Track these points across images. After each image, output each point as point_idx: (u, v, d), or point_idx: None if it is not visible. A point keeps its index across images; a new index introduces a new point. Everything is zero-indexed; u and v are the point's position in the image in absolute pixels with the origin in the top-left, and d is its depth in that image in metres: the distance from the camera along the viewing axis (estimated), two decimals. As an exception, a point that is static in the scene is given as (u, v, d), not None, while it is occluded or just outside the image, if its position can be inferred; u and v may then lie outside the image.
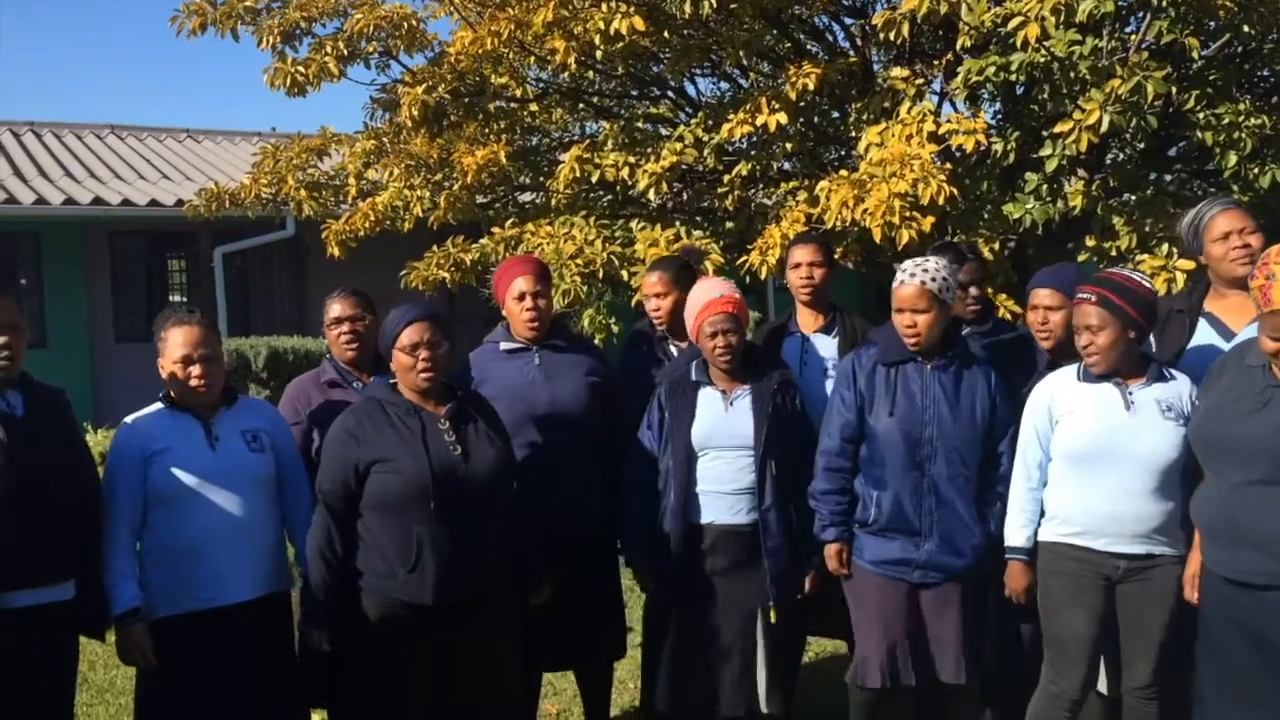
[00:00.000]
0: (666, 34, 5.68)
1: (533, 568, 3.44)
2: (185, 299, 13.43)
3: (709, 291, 3.59)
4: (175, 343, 3.12)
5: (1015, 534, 3.37)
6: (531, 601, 3.45)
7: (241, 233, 11.87)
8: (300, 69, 6.22)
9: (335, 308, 3.77)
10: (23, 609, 2.80)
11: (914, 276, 3.38)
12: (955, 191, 4.48)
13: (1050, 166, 4.79)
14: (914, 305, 3.37)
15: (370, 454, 3.13)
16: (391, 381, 3.30)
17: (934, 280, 3.36)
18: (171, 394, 3.17)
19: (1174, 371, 3.29)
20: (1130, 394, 3.22)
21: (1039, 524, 3.36)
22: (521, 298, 3.72)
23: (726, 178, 5.75)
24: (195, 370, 3.11)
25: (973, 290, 3.91)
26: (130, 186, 12.61)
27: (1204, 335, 3.48)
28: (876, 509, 3.41)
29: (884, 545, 3.43)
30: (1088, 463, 3.23)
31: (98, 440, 10.38)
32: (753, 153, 5.90)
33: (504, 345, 3.79)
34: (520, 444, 3.57)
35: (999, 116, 5.89)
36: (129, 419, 3.19)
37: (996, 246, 5.03)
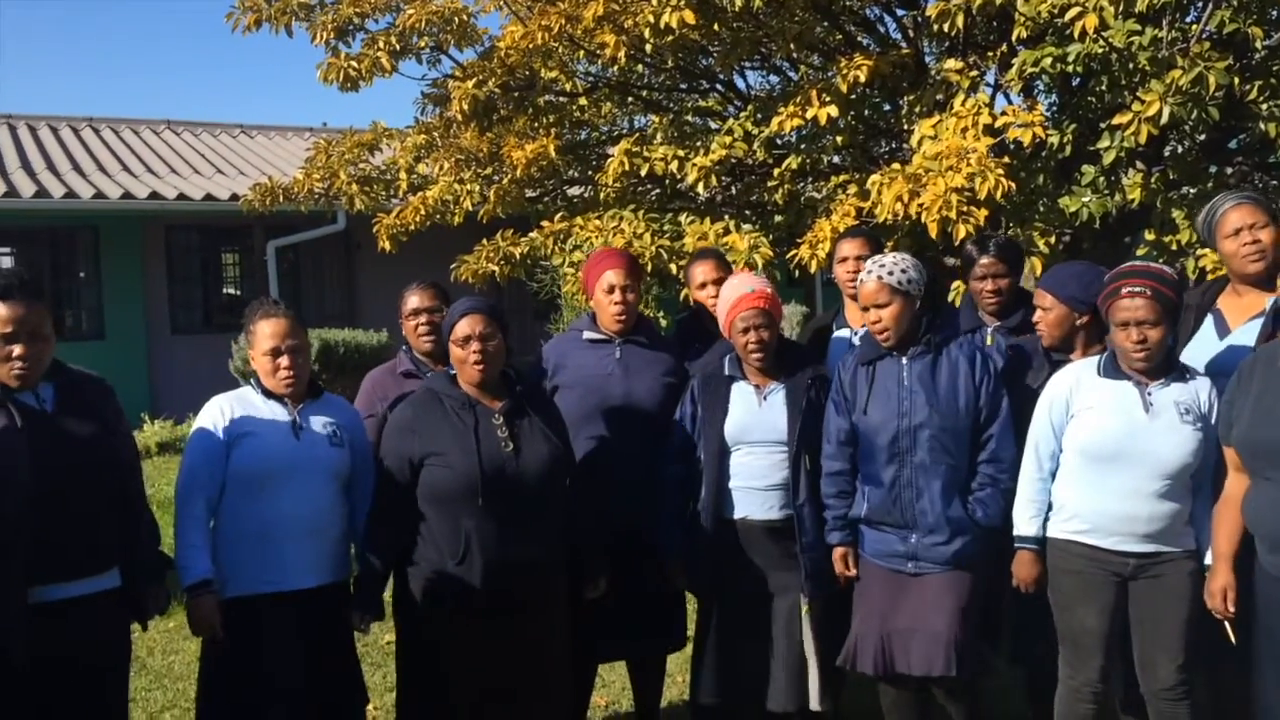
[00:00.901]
0: (716, 27, 5.65)
1: (588, 565, 3.44)
2: (239, 292, 13.65)
3: (740, 287, 3.59)
4: (264, 334, 3.20)
5: (1025, 524, 3.37)
6: (587, 597, 3.46)
7: (294, 227, 12.04)
8: (353, 64, 6.26)
9: (413, 299, 3.83)
10: (67, 600, 2.82)
11: (871, 273, 3.45)
12: (1013, 186, 4.42)
13: (1108, 159, 4.71)
14: (875, 300, 3.42)
15: (424, 447, 3.17)
16: (452, 373, 3.33)
17: (891, 274, 3.41)
18: (261, 383, 3.24)
19: (1193, 370, 3.26)
20: (1149, 394, 3.18)
21: (1048, 515, 3.34)
22: (611, 290, 3.75)
23: (776, 171, 5.72)
24: (283, 361, 3.20)
25: (988, 284, 3.87)
26: (186, 181, 12.83)
27: (1204, 332, 3.47)
28: (866, 503, 3.45)
29: (878, 537, 3.47)
30: (1103, 462, 3.21)
31: (154, 430, 10.62)
32: (803, 146, 5.86)
33: (588, 334, 3.82)
34: (587, 435, 3.59)
35: (1055, 108, 5.79)
36: (218, 398, 3.27)
37: (1052, 240, 4.95)
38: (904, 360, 3.44)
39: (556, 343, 3.91)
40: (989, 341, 3.80)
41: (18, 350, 2.77)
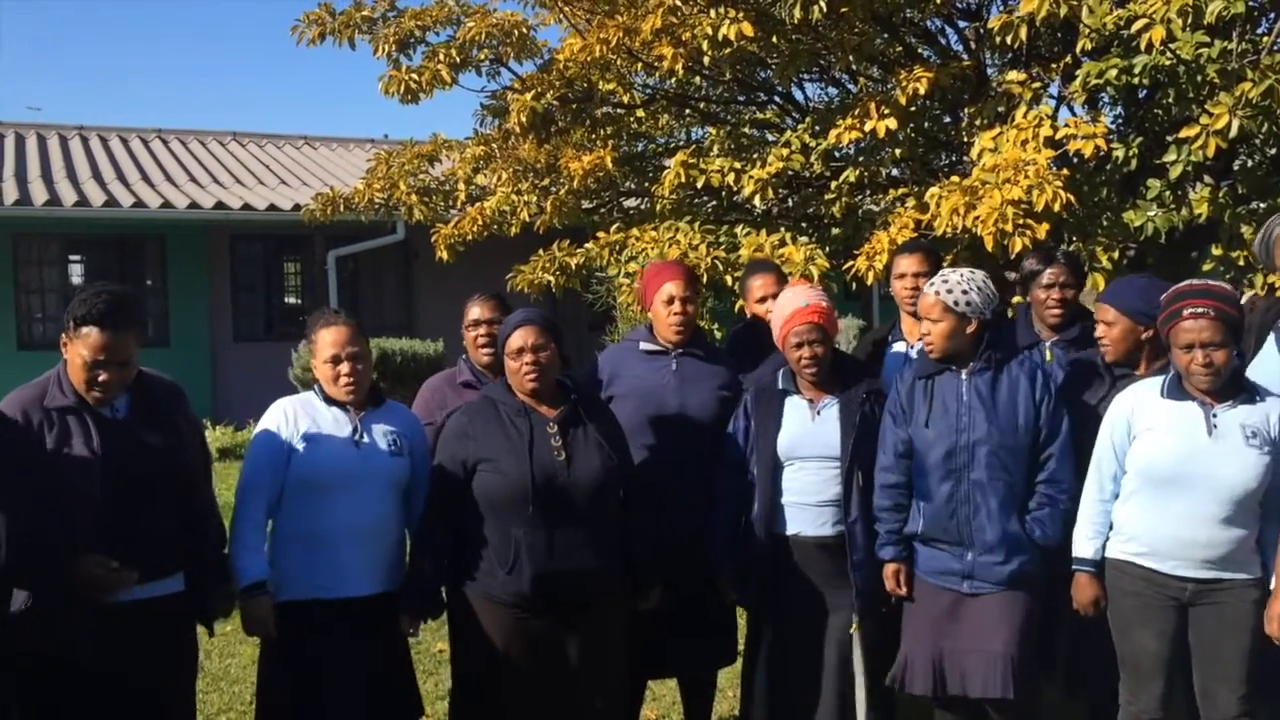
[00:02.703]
0: (775, 39, 5.63)
1: (641, 576, 3.43)
2: (300, 300, 13.86)
3: (795, 300, 3.55)
4: (325, 343, 3.24)
5: (1083, 545, 3.31)
6: (639, 608, 3.45)
7: (354, 236, 12.21)
8: (414, 76, 6.33)
9: (474, 310, 3.84)
10: (134, 603, 2.88)
11: (931, 286, 3.44)
12: (1072, 198, 4.35)
13: (1174, 173, 4.63)
14: (928, 314, 3.43)
15: (478, 453, 3.19)
16: (508, 382, 3.34)
17: (950, 293, 3.38)
18: (324, 390, 3.29)
19: (1264, 391, 3.15)
20: (1214, 415, 3.09)
21: (1107, 537, 3.28)
22: (670, 301, 3.75)
23: (834, 184, 5.68)
24: (344, 369, 3.23)
25: (1054, 294, 3.82)
26: (250, 191, 13.06)
27: (1268, 353, 3.38)
28: (923, 519, 3.40)
29: (932, 555, 3.43)
30: (1163, 485, 3.13)
31: (216, 436, 10.80)
32: (861, 158, 5.82)
33: (644, 345, 3.81)
34: (640, 446, 3.58)
35: (1120, 121, 5.70)
36: (281, 401, 3.31)
37: (1116, 255, 4.86)
38: (963, 376, 3.41)
39: (612, 352, 3.91)
40: (1048, 357, 3.75)
41: (103, 376, 2.85)
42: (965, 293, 3.37)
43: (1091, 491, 3.31)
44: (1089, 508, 3.31)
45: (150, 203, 12.03)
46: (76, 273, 13.05)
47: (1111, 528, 3.28)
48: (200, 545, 3.08)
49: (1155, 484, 3.15)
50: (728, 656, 3.88)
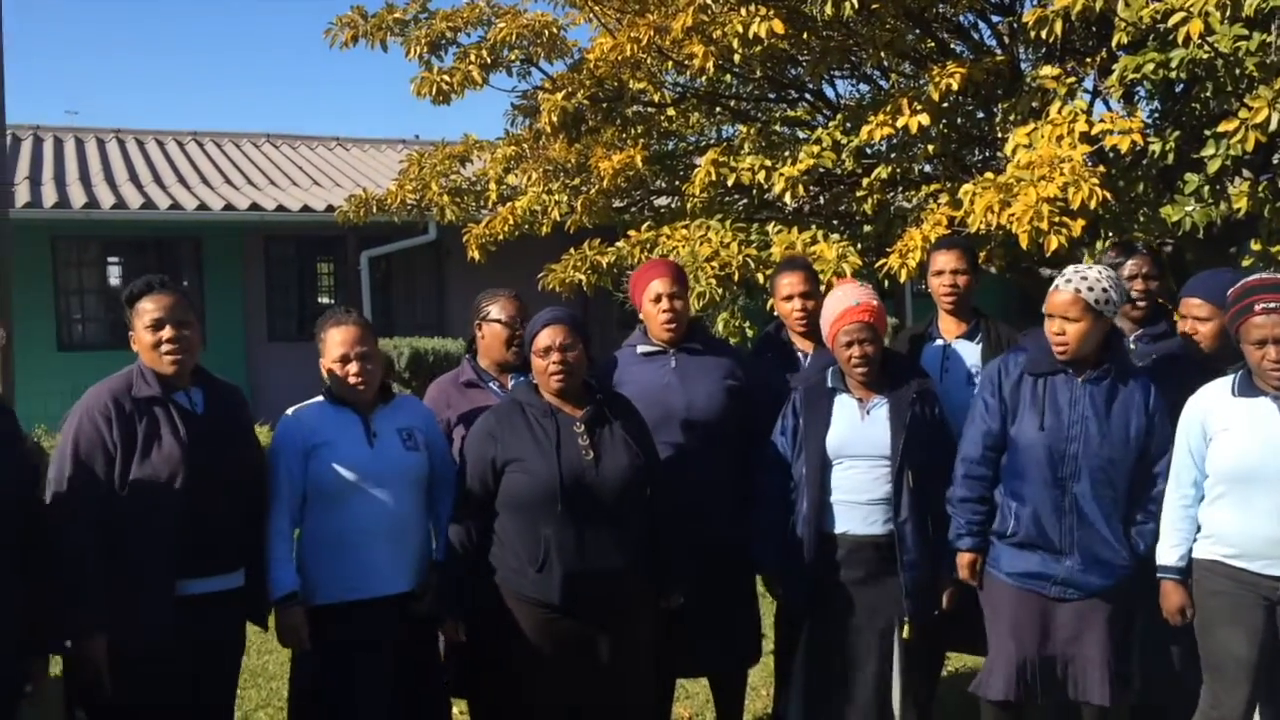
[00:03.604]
0: (806, 36, 5.62)
1: (667, 575, 3.42)
2: (333, 300, 13.95)
3: (845, 299, 3.51)
4: (334, 342, 3.26)
5: (1168, 553, 3.23)
6: (661, 607, 3.43)
7: (386, 237, 12.27)
8: (445, 78, 6.37)
9: (494, 309, 3.75)
10: (197, 595, 2.98)
11: (1069, 283, 3.26)
12: (1109, 195, 4.29)
13: (1213, 167, 4.56)
14: (1065, 313, 3.24)
15: (506, 453, 3.20)
16: (533, 382, 3.35)
17: (1090, 290, 3.22)
18: (333, 390, 3.30)
19: None
20: None
21: (1194, 542, 3.21)
22: (658, 300, 3.72)
23: (865, 181, 5.65)
24: (353, 368, 3.24)
25: (1138, 285, 3.72)
26: (284, 193, 13.16)
27: None
28: (1015, 521, 3.31)
29: (1022, 557, 3.33)
30: (1244, 484, 3.07)
31: (251, 435, 10.95)
32: (893, 155, 5.79)
33: (641, 348, 3.79)
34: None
35: (1157, 115, 5.63)
36: (291, 410, 3.33)
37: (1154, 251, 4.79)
38: (1079, 381, 3.29)
39: (617, 355, 3.87)
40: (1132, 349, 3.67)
41: (167, 333, 2.98)
42: (1106, 290, 3.23)
43: (1173, 499, 3.24)
44: (1172, 515, 3.23)
45: (186, 205, 12.16)
46: (115, 274, 13.21)
47: (1199, 529, 3.21)
48: (259, 543, 3.15)
49: (1238, 484, 3.09)
50: (752, 655, 3.86)
